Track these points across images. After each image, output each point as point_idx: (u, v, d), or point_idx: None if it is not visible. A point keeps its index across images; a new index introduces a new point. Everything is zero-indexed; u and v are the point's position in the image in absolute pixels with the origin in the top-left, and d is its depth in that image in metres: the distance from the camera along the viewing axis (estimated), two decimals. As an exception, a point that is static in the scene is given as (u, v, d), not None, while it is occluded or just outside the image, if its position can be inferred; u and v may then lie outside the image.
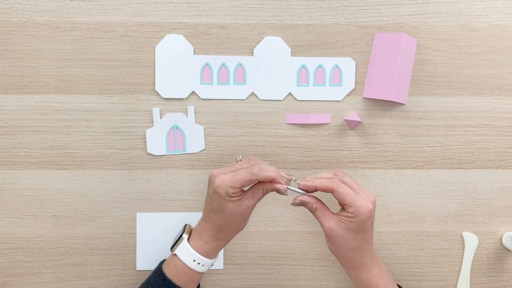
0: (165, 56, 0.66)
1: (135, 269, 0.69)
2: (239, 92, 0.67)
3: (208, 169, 0.68)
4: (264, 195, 0.57)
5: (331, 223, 0.55)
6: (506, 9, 0.67)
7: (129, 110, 0.67)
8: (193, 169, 0.68)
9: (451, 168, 0.69)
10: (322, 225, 0.56)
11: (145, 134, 0.67)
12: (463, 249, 0.71)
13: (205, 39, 0.66)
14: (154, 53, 0.66)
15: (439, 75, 0.68)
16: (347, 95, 0.68)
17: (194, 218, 0.68)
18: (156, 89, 0.66)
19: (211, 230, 0.58)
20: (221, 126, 0.68)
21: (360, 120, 0.67)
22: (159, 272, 0.59)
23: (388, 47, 0.66)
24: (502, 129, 0.69)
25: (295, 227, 0.70)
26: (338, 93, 0.68)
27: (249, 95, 0.67)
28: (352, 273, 0.59)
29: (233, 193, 0.55)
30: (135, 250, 0.69)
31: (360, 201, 0.54)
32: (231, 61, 0.67)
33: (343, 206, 0.55)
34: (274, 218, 0.70)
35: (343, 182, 0.55)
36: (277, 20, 0.66)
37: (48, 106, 0.66)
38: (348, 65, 0.67)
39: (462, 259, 0.71)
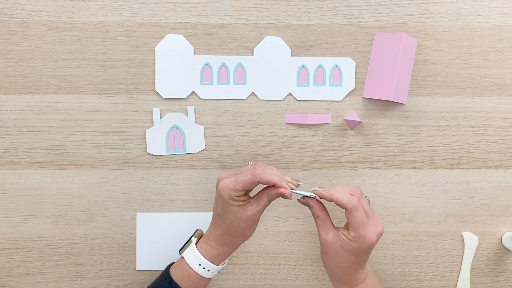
0: (165, 56, 0.66)
1: (135, 269, 0.69)
2: (239, 92, 0.67)
3: (208, 169, 0.68)
4: (269, 201, 0.56)
5: (329, 235, 0.55)
6: (506, 9, 0.67)
7: (129, 110, 0.67)
8: (193, 169, 0.68)
9: (451, 168, 0.69)
10: (319, 234, 0.56)
11: (145, 134, 0.67)
12: (463, 249, 0.71)
13: (205, 39, 0.66)
14: (154, 53, 0.66)
15: (439, 75, 0.68)
16: (347, 95, 0.68)
17: (194, 218, 0.68)
18: (156, 89, 0.66)
19: (216, 235, 0.58)
20: (221, 126, 0.68)
21: (360, 120, 0.67)
22: (166, 275, 0.59)
23: (388, 47, 0.66)
24: (502, 129, 0.69)
25: (295, 227, 0.70)
26: (338, 93, 0.68)
27: (249, 95, 0.67)
28: (335, 285, 0.59)
29: (236, 196, 0.55)
30: (135, 250, 0.69)
31: (366, 230, 0.53)
32: (231, 61, 0.67)
33: (349, 227, 0.54)
34: (274, 218, 0.70)
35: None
36: (277, 20, 0.66)
37: (48, 106, 0.66)
38: (348, 65, 0.67)
39: (462, 259, 0.71)
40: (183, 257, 0.59)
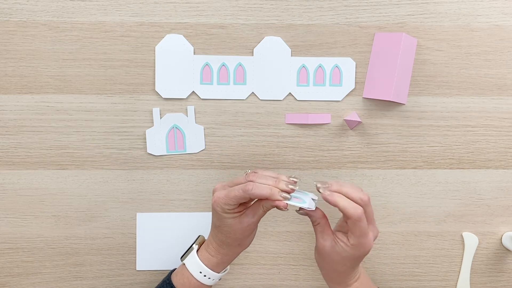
0: (165, 56, 0.66)
1: (135, 269, 0.69)
2: (239, 92, 0.67)
3: (208, 169, 0.68)
4: (265, 212, 0.55)
5: (327, 242, 0.55)
6: (506, 9, 0.67)
7: (129, 110, 0.67)
8: (193, 169, 0.68)
9: (451, 168, 0.69)
10: (316, 239, 0.56)
11: (145, 134, 0.67)
12: (463, 249, 0.71)
13: (205, 39, 0.66)
14: (154, 53, 0.66)
15: (439, 75, 0.68)
16: (347, 95, 0.68)
17: (194, 218, 0.68)
18: (156, 89, 0.66)
19: (215, 244, 0.58)
20: (221, 126, 0.68)
21: (360, 120, 0.67)
22: (168, 281, 0.59)
23: (388, 47, 0.66)
24: (502, 129, 0.69)
25: (295, 227, 0.70)
26: (338, 93, 0.68)
27: (249, 95, 0.67)
28: (330, 286, 0.59)
29: (228, 210, 0.54)
30: (135, 250, 0.69)
31: (367, 239, 0.53)
32: (231, 61, 0.67)
33: (348, 232, 0.53)
34: (274, 218, 0.70)
35: (365, 211, 0.53)
36: (277, 20, 0.66)
37: (48, 106, 0.66)
38: (348, 65, 0.67)
39: (462, 259, 0.71)
40: (184, 264, 0.59)
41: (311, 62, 0.67)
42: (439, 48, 0.67)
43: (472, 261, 0.70)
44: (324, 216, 0.56)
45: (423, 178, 0.69)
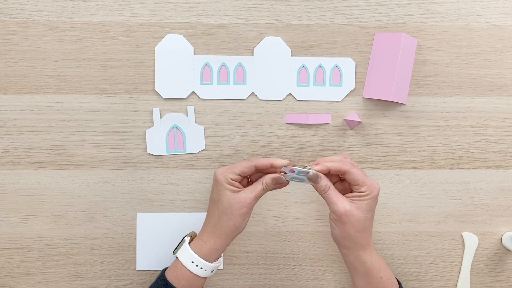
0: (165, 56, 0.66)
1: (135, 269, 0.69)
2: (239, 92, 0.67)
3: (208, 169, 0.68)
4: (263, 190, 0.57)
5: (345, 203, 0.55)
6: (506, 9, 0.67)
7: (129, 110, 0.67)
8: (193, 169, 0.68)
9: (451, 168, 0.69)
10: (334, 206, 0.55)
11: (145, 134, 0.67)
12: (463, 249, 0.71)
13: (205, 39, 0.66)
14: (154, 53, 0.66)
15: (439, 75, 0.68)
16: (347, 95, 0.68)
17: (194, 218, 0.68)
18: (156, 89, 0.66)
19: (209, 225, 0.58)
20: (221, 126, 0.68)
21: (360, 120, 0.67)
22: (162, 277, 0.59)
23: (388, 47, 0.66)
24: (502, 129, 0.69)
25: (295, 227, 0.70)
26: (338, 93, 0.68)
27: (249, 95, 0.67)
28: (356, 258, 0.58)
29: (231, 179, 0.57)
30: (135, 250, 0.69)
31: (370, 180, 0.56)
32: (231, 61, 0.67)
33: (354, 187, 0.57)
34: (274, 218, 0.70)
35: (355, 168, 0.57)
36: (277, 20, 0.66)
37: (48, 106, 0.66)
38: (348, 65, 0.67)
39: (462, 259, 0.71)
40: (177, 257, 0.59)
41: (311, 62, 0.67)
42: (439, 48, 0.67)
43: (472, 261, 0.70)
44: (329, 181, 0.57)
45: (423, 178, 0.69)
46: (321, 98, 0.68)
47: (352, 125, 0.68)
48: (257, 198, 0.57)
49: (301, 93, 0.67)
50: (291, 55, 0.67)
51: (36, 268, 0.68)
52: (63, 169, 0.67)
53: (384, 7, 0.66)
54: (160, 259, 0.69)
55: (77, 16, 0.65)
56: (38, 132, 0.66)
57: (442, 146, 0.69)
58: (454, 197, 0.70)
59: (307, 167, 0.56)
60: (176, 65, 0.66)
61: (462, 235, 0.70)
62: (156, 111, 0.67)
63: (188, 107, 0.67)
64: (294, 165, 0.56)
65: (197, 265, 0.57)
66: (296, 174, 0.56)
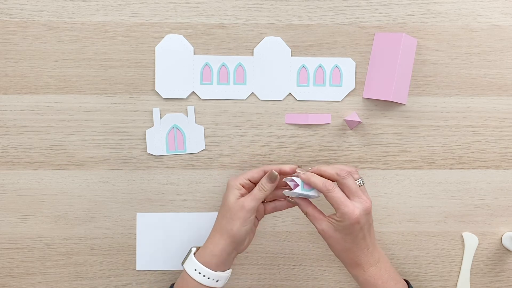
0: (165, 56, 0.66)
1: (135, 269, 0.69)
2: (239, 92, 0.67)
3: (208, 169, 0.68)
4: (260, 191, 0.58)
5: (323, 225, 0.58)
6: (506, 9, 0.67)
7: (129, 110, 0.67)
8: (193, 169, 0.68)
9: (451, 168, 0.69)
10: (316, 224, 0.58)
11: (145, 134, 0.67)
12: (463, 249, 0.71)
13: (205, 39, 0.66)
14: (154, 53, 0.66)
15: (439, 75, 0.68)
16: (347, 95, 0.68)
17: (194, 218, 0.68)
18: (156, 89, 0.66)
19: (212, 231, 0.60)
20: (221, 126, 0.68)
21: (360, 120, 0.67)
22: None
23: (388, 47, 0.66)
24: (502, 129, 0.69)
25: (295, 227, 0.70)
26: (338, 93, 0.68)
27: (249, 95, 0.67)
28: (350, 272, 0.60)
29: (240, 184, 0.59)
30: (135, 250, 0.69)
31: (347, 208, 0.55)
32: (231, 61, 0.67)
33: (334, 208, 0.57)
34: (274, 218, 0.70)
35: (343, 184, 0.57)
36: (277, 20, 0.66)
37: (48, 106, 0.66)
38: (348, 65, 0.67)
39: (462, 259, 0.71)
40: (184, 268, 0.59)
41: (311, 62, 0.67)
42: (439, 48, 0.67)
43: (472, 261, 0.70)
44: (310, 203, 0.59)
45: (423, 178, 0.69)
46: (321, 98, 0.68)
47: (352, 125, 0.68)
48: (255, 201, 0.58)
49: (301, 93, 0.67)
50: (291, 55, 0.67)
51: (36, 268, 0.68)
52: (63, 169, 0.67)
53: (384, 7, 0.66)
54: (160, 259, 0.69)
55: (77, 16, 0.65)
56: (38, 132, 0.66)
57: (442, 146, 0.69)
58: (454, 197, 0.70)
59: (298, 171, 0.59)
60: (176, 65, 0.66)
61: (462, 235, 0.70)
62: (156, 111, 0.67)
63: (188, 107, 0.67)
64: (301, 169, 0.59)
65: (199, 273, 0.57)
66: (301, 190, 0.58)
